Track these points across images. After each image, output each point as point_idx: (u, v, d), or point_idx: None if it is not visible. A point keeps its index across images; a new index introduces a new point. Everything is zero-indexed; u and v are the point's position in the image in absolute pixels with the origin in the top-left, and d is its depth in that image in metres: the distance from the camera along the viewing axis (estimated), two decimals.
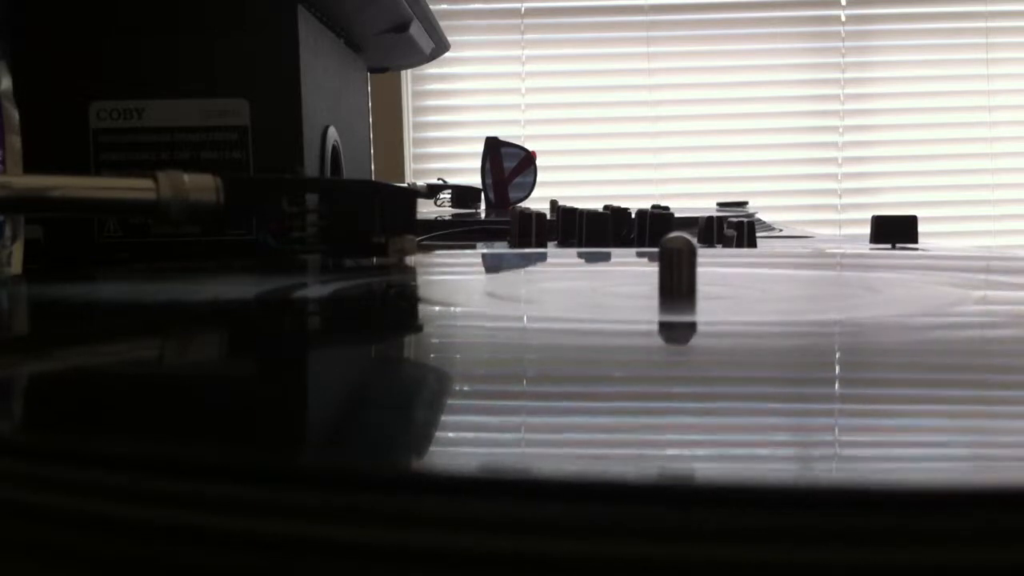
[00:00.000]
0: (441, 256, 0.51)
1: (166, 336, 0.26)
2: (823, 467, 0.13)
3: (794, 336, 0.24)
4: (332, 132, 0.60)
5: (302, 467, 0.13)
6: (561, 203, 0.71)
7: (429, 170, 1.95)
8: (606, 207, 0.66)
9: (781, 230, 0.83)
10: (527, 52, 2.01)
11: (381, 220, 0.41)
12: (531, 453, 0.14)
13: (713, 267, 0.39)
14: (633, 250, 0.55)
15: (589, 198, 0.99)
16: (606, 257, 0.48)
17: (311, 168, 0.54)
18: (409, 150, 2.01)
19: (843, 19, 2.01)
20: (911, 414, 0.16)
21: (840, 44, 2.01)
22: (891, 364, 0.21)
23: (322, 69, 0.59)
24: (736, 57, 2.00)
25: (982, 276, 0.38)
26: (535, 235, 0.59)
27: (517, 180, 1.13)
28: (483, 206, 1.14)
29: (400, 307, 0.31)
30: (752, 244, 0.59)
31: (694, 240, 0.28)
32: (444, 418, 0.16)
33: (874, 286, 0.33)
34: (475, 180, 1.15)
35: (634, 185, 1.95)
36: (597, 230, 0.58)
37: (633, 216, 0.63)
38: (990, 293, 0.33)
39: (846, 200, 2.03)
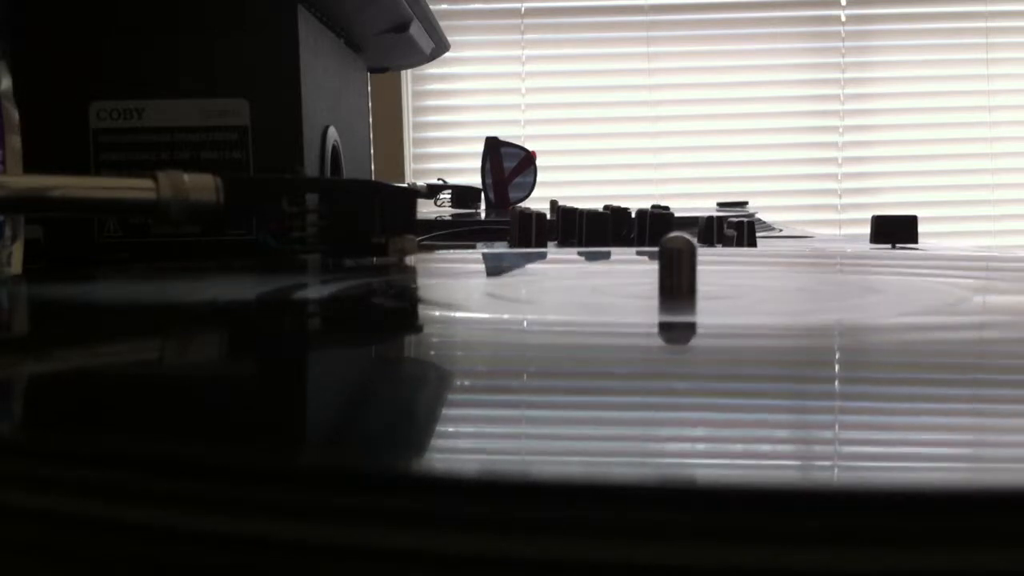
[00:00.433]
0: (441, 256, 0.51)
1: (166, 336, 0.26)
2: (823, 468, 0.13)
3: (794, 336, 0.24)
4: (332, 132, 0.60)
5: (302, 467, 0.13)
6: (561, 203, 0.71)
7: (429, 170, 1.95)
8: (606, 207, 0.66)
9: (781, 230, 0.83)
10: (527, 52, 2.01)
11: (381, 220, 0.41)
12: (531, 453, 0.14)
13: (713, 267, 0.38)
14: (633, 250, 0.55)
15: (589, 198, 0.99)
16: (606, 257, 0.48)
17: (311, 168, 0.54)
18: (409, 150, 2.01)
19: (843, 19, 2.01)
20: (911, 412, 0.16)
21: (840, 44, 2.01)
22: (891, 364, 0.21)
23: (322, 69, 0.59)
24: (736, 57, 2.00)
25: (982, 276, 0.38)
26: (535, 235, 0.59)
27: (517, 180, 1.13)
28: (483, 206, 1.14)
29: (400, 307, 0.31)
30: (752, 244, 0.59)
31: (694, 240, 0.28)
32: (444, 419, 0.16)
33: (874, 286, 0.33)
34: (475, 180, 1.15)
35: (634, 185, 1.95)
36: (597, 230, 0.58)
37: (633, 216, 0.63)
38: (990, 293, 0.33)
39: (846, 200, 2.03)
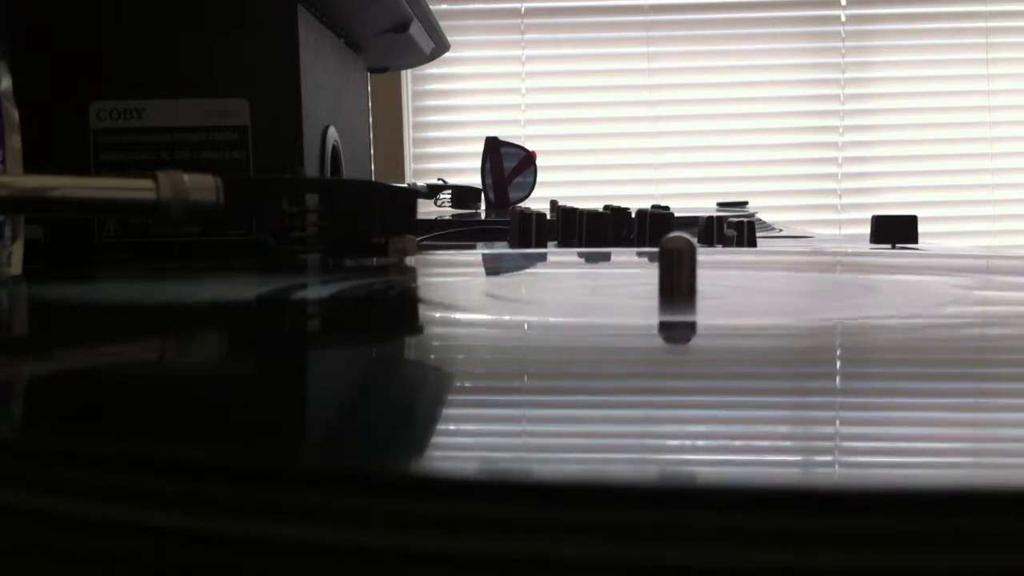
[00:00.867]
0: (441, 256, 0.51)
1: (165, 337, 0.26)
2: (823, 467, 0.13)
3: (794, 336, 0.24)
4: (332, 132, 0.60)
5: (301, 468, 0.13)
6: (561, 203, 0.71)
7: (429, 170, 1.95)
8: (606, 207, 0.66)
9: (781, 230, 0.83)
10: (527, 52, 2.01)
11: (381, 220, 0.41)
12: (531, 453, 0.14)
13: (713, 267, 0.38)
14: (633, 250, 0.55)
15: (589, 198, 0.99)
16: (606, 257, 0.48)
17: (311, 168, 0.54)
18: (409, 150, 2.01)
19: (843, 19, 2.01)
20: (911, 409, 0.16)
21: (840, 44, 2.01)
22: (891, 364, 0.21)
23: (322, 69, 0.59)
24: (736, 57, 2.00)
25: (982, 276, 0.38)
26: (535, 235, 0.59)
27: (517, 180, 1.13)
28: (483, 206, 1.13)
29: (400, 307, 0.31)
30: (752, 244, 0.59)
31: (694, 240, 0.28)
32: (443, 419, 0.16)
33: (874, 286, 0.33)
34: (475, 180, 1.15)
35: (634, 185, 1.95)
36: (597, 230, 0.58)
37: (633, 216, 0.63)
38: (990, 293, 0.33)
39: (846, 200, 2.03)
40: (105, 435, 0.14)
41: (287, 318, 0.29)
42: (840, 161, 2.03)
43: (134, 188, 0.35)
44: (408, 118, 2.00)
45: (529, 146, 1.17)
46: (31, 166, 0.44)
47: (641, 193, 1.86)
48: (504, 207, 1.07)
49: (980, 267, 0.42)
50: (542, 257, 0.50)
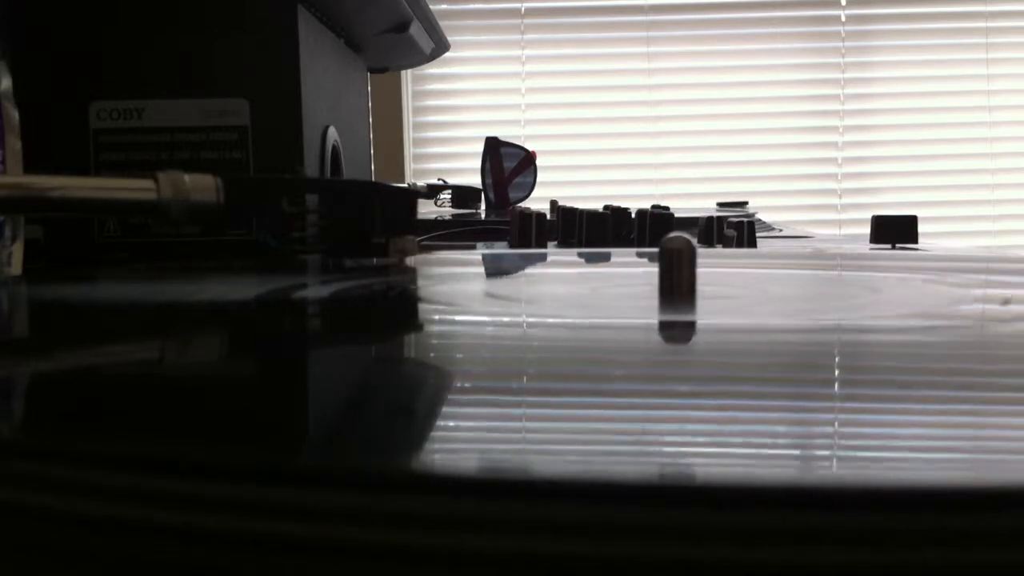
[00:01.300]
0: (441, 256, 0.51)
1: (165, 337, 0.26)
2: (823, 467, 0.13)
3: (794, 336, 0.24)
4: (332, 132, 0.60)
5: (301, 468, 0.13)
6: (561, 203, 0.71)
7: (429, 170, 1.95)
8: (606, 207, 0.66)
9: (781, 230, 0.83)
10: (527, 52, 2.01)
11: (381, 220, 0.41)
12: (531, 452, 0.14)
13: (713, 267, 0.38)
14: (633, 250, 0.55)
15: (589, 198, 0.99)
16: (606, 257, 0.48)
17: (311, 168, 0.54)
18: (409, 150, 2.01)
19: (843, 19, 2.01)
20: (911, 411, 0.16)
21: (840, 44, 2.01)
22: (890, 364, 0.21)
23: (322, 69, 0.59)
24: (736, 57, 2.00)
25: (982, 276, 0.38)
26: (535, 235, 0.59)
27: (517, 180, 1.13)
28: (483, 206, 1.13)
29: (400, 307, 0.31)
30: (752, 244, 0.59)
31: (694, 240, 0.28)
32: (442, 418, 0.16)
33: (874, 286, 0.33)
34: (475, 180, 1.15)
35: (634, 185, 1.95)
36: (597, 230, 0.58)
37: (633, 216, 0.63)
38: (990, 293, 0.33)
39: (846, 200, 2.03)
40: (105, 435, 0.14)
41: (287, 318, 0.29)
42: (840, 161, 2.03)
43: (134, 188, 0.35)
44: (408, 118, 2.00)
45: (529, 146, 1.17)
46: (31, 166, 0.44)
47: (641, 193, 1.86)
48: (504, 207, 1.07)
49: (980, 267, 0.42)
50: (542, 257, 0.50)
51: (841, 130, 2.02)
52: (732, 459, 0.13)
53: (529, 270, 0.44)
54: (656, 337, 0.25)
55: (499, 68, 2.02)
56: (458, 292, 0.34)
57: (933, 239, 0.69)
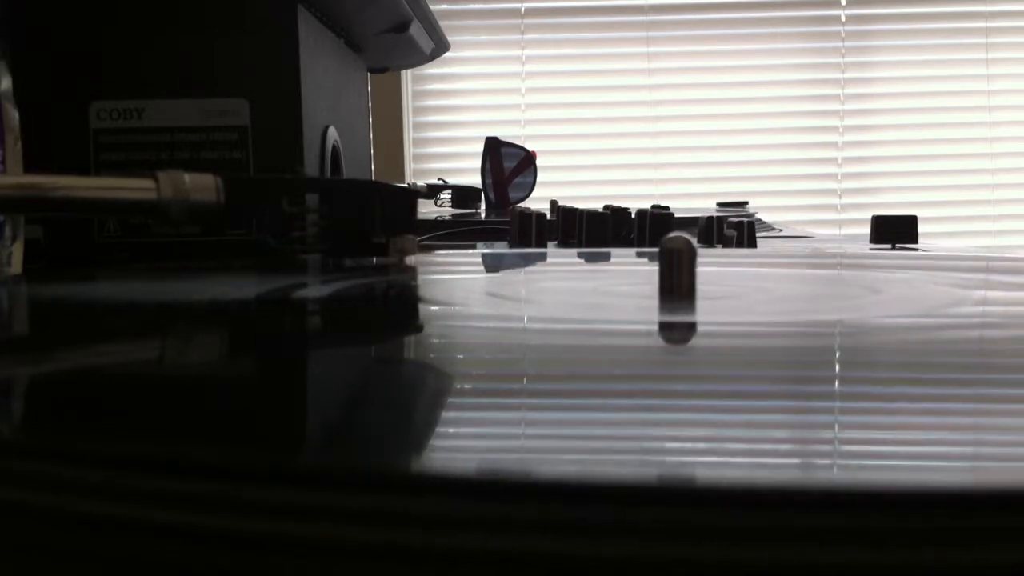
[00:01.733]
0: (441, 256, 0.51)
1: (165, 337, 0.26)
2: (822, 467, 0.13)
3: (794, 336, 0.24)
4: (332, 132, 0.60)
5: (301, 468, 0.13)
6: (561, 203, 0.71)
7: (429, 170, 1.95)
8: (606, 207, 0.66)
9: (781, 230, 0.83)
10: (527, 52, 2.01)
11: (381, 220, 0.41)
12: (531, 452, 0.14)
13: (713, 267, 0.38)
14: (633, 250, 0.55)
15: (589, 198, 0.99)
16: (606, 257, 0.48)
17: (311, 168, 0.54)
18: (409, 150, 2.01)
19: (843, 19, 2.01)
20: (911, 412, 0.16)
21: (840, 44, 2.01)
22: (891, 364, 0.21)
23: (322, 69, 0.59)
24: (736, 57, 2.00)
25: (982, 276, 0.38)
26: (535, 235, 0.59)
27: (517, 180, 1.13)
28: (483, 206, 1.14)
29: (400, 307, 0.31)
30: (752, 244, 0.59)
31: (694, 240, 0.28)
32: (443, 418, 0.16)
33: (874, 286, 0.33)
34: (475, 180, 1.15)
35: (634, 185, 1.95)
36: (597, 230, 0.58)
37: (633, 216, 0.63)
38: (990, 293, 0.33)
39: (846, 200, 2.03)
40: (105, 435, 0.14)
41: (287, 318, 0.29)
42: (840, 161, 2.03)
43: (134, 188, 0.35)
44: (408, 118, 2.00)
45: (529, 146, 1.17)
46: (31, 166, 0.44)
47: (641, 193, 1.86)
48: (504, 207, 1.07)
49: (980, 267, 0.42)
50: (542, 257, 0.50)
51: (841, 130, 2.02)
52: (732, 459, 0.13)
53: (529, 270, 0.44)
54: (656, 337, 0.25)
55: (499, 68, 2.02)
56: (457, 292, 0.34)
57: (933, 239, 0.69)
